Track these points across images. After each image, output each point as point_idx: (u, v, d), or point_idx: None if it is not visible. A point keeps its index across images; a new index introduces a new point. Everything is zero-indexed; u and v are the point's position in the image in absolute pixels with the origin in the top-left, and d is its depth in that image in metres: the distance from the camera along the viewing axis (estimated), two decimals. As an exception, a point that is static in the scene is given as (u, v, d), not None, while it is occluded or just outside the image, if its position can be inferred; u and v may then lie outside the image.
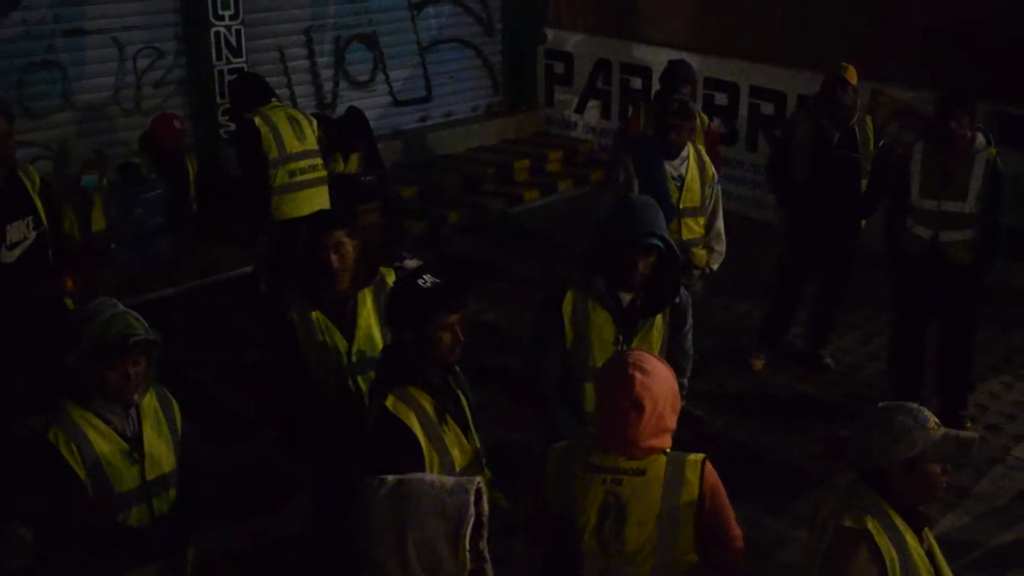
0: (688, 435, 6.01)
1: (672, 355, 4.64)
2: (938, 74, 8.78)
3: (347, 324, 4.54)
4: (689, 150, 6.68)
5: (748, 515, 5.20)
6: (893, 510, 3.25)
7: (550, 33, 12.08)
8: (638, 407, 3.34)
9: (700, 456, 3.48)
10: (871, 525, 3.19)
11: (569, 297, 4.48)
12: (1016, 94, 8.63)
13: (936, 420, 3.31)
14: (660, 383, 3.40)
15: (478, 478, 3.05)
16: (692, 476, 3.41)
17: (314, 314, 4.49)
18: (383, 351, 4.19)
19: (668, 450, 3.46)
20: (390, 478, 3.07)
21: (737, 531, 3.57)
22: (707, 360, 7.47)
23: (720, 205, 6.88)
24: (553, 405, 4.59)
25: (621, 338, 4.48)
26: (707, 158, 6.82)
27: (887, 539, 3.19)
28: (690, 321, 4.80)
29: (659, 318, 4.54)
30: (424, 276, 3.83)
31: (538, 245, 9.78)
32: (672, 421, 3.46)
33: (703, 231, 6.80)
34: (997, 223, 6.62)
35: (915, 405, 3.36)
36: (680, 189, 6.61)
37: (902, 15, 9.32)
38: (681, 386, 4.40)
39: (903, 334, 7.11)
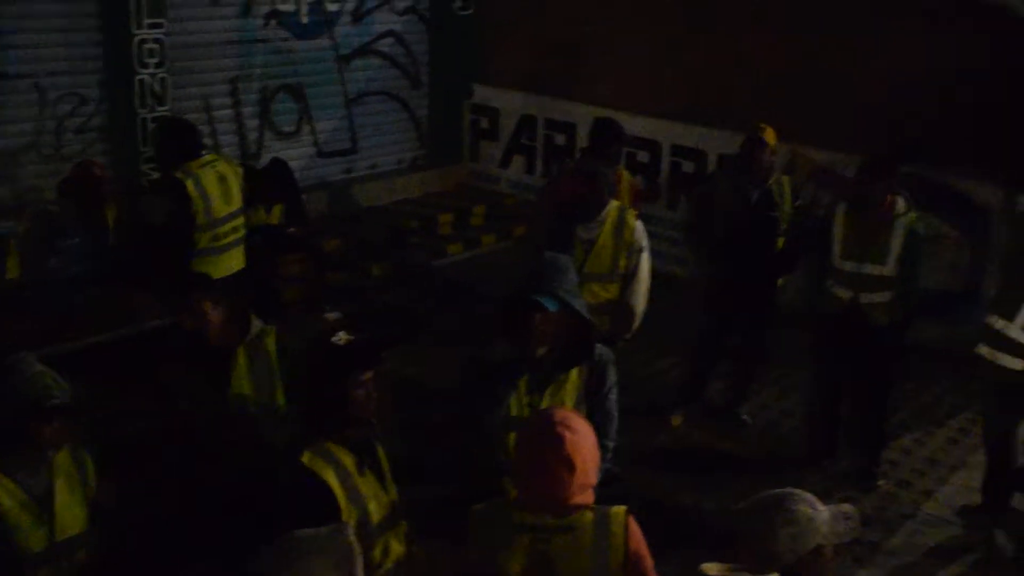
0: (606, 493, 6.06)
1: (592, 416, 4.58)
2: (855, 136, 9.02)
3: (222, 384, 4.57)
4: (609, 214, 6.50)
5: (666, 573, 5.24)
6: None
7: (477, 88, 12.20)
8: (569, 466, 3.35)
9: (623, 508, 3.50)
10: None
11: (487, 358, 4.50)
12: (924, 157, 8.88)
13: (820, 505, 3.29)
14: (586, 440, 3.42)
15: (349, 522, 3.02)
16: (618, 529, 3.44)
17: (192, 375, 4.52)
18: (299, 407, 4.20)
19: (592, 505, 3.48)
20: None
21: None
22: (626, 417, 7.52)
23: (642, 273, 6.63)
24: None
25: (536, 392, 4.50)
26: (632, 224, 6.57)
27: None
28: (611, 381, 4.75)
29: (574, 374, 4.55)
30: (339, 333, 3.86)
31: (461, 298, 9.80)
32: (594, 477, 3.48)
33: (613, 297, 6.59)
34: (915, 286, 6.80)
35: (796, 492, 3.33)
36: (587, 253, 6.43)
37: (821, 78, 9.56)
38: (605, 448, 4.49)
39: (819, 391, 7.25)
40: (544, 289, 4.35)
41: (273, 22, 10.59)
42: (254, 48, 10.48)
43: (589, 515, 3.44)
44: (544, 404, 4.47)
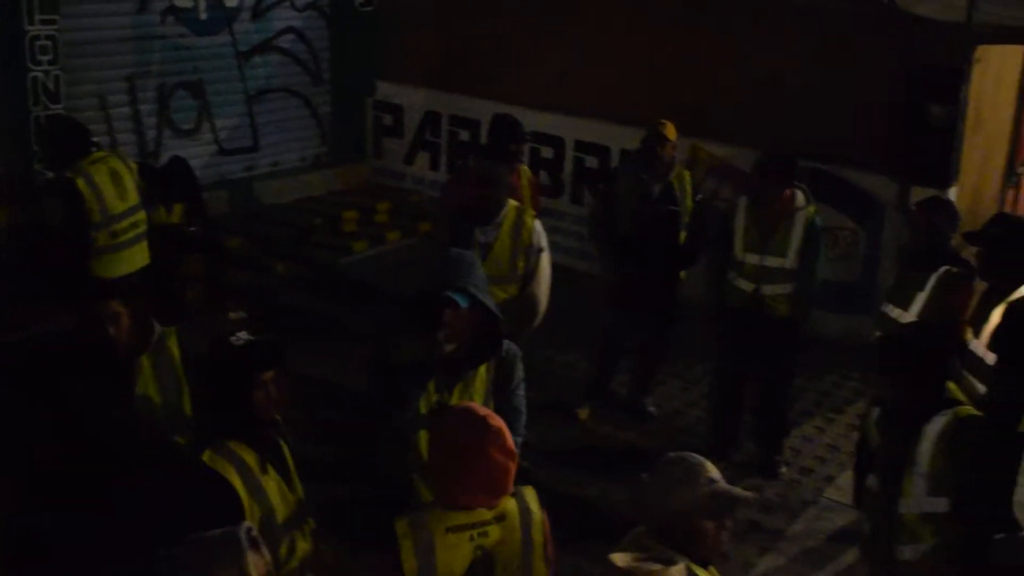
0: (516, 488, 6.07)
1: (500, 411, 4.63)
2: (753, 131, 9.18)
3: (128, 391, 4.51)
4: (507, 216, 6.39)
5: (574, 564, 5.28)
6: (692, 561, 3.27)
7: (380, 85, 12.14)
8: (512, 455, 3.44)
9: (531, 486, 3.61)
10: (675, 572, 3.21)
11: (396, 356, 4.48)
12: (821, 151, 9.08)
13: (716, 476, 3.32)
14: (506, 457, 3.47)
15: (247, 523, 2.99)
16: (534, 504, 3.55)
17: (95, 383, 4.44)
18: (200, 407, 4.15)
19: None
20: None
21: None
22: (533, 412, 7.56)
23: (542, 273, 6.54)
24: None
25: (445, 390, 4.49)
26: (530, 225, 6.47)
27: None
28: (519, 376, 4.77)
29: (482, 370, 4.56)
30: (238, 334, 3.83)
31: (367, 296, 9.74)
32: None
33: (512, 296, 6.44)
34: (814, 278, 6.96)
35: (698, 459, 3.36)
36: (485, 256, 6.23)
37: (719, 73, 9.70)
38: (516, 443, 4.49)
39: (723, 382, 7.37)
40: (455, 285, 4.36)
41: (171, 18, 10.41)
42: (151, 45, 10.29)
43: (511, 500, 3.51)
44: (453, 402, 4.47)
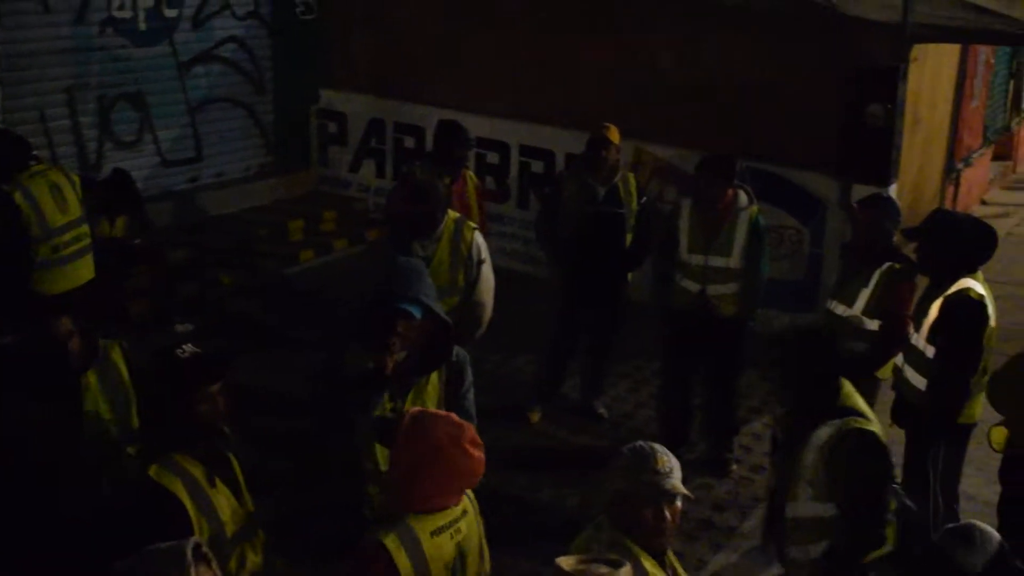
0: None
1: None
2: (696, 133, 9.26)
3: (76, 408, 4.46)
4: (446, 229, 6.24)
5: (528, 568, 5.29)
6: (632, 543, 3.39)
7: (323, 93, 12.09)
8: (481, 447, 3.51)
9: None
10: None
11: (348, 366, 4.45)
12: (763, 152, 9.18)
13: (666, 468, 3.41)
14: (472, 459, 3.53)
15: (195, 538, 2.97)
16: (472, 495, 3.65)
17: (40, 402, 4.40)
18: (146, 421, 4.11)
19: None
20: None
21: None
22: (484, 416, 7.57)
23: (484, 284, 6.41)
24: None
25: (399, 398, 4.48)
26: (469, 238, 6.32)
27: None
28: (468, 380, 4.77)
29: (434, 377, 4.56)
30: (183, 346, 3.81)
31: (314, 306, 9.69)
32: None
33: (454, 308, 6.21)
34: (759, 277, 7.03)
35: (652, 448, 3.48)
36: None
37: (662, 76, 9.77)
38: None
39: (671, 382, 7.42)
40: (408, 296, 4.36)
41: (109, 29, 10.28)
42: (90, 56, 10.16)
43: (452, 511, 3.54)
44: (408, 409, 4.46)
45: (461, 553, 3.50)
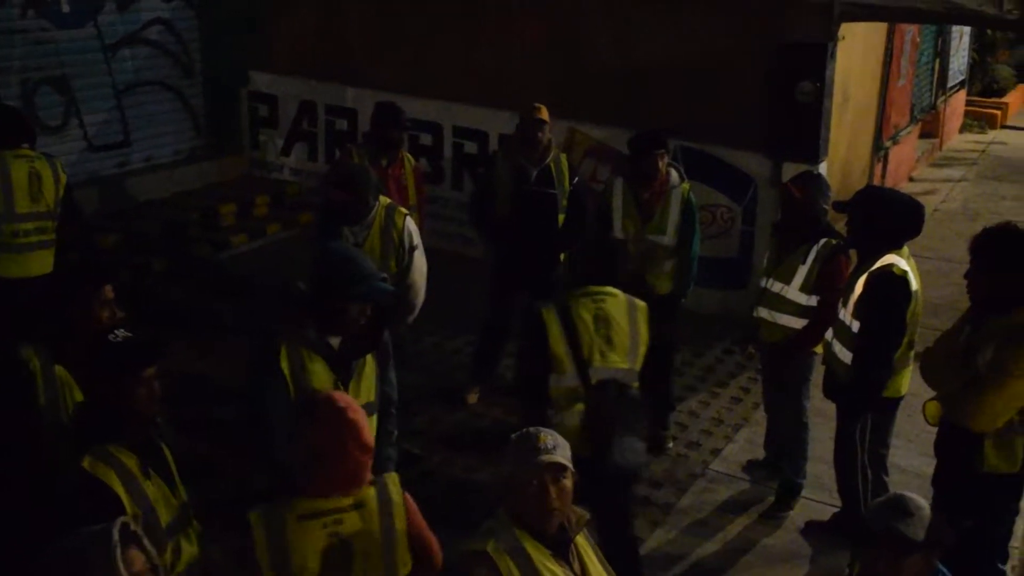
0: (406, 474, 6.07)
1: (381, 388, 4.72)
2: (627, 113, 9.29)
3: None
4: (377, 216, 6.26)
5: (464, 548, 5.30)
6: (521, 531, 3.41)
7: (253, 75, 11.94)
8: (367, 448, 3.45)
9: (394, 473, 3.65)
10: (490, 547, 3.36)
11: (284, 351, 4.38)
12: (694, 131, 9.24)
13: (550, 444, 3.44)
14: (357, 443, 3.48)
15: (123, 517, 2.94)
16: (396, 494, 3.56)
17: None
18: (77, 411, 4.04)
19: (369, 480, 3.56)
20: None
21: (434, 540, 3.70)
22: (421, 397, 7.59)
23: (416, 270, 6.44)
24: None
25: (339, 383, 4.47)
26: (400, 225, 6.34)
27: (513, 564, 3.35)
28: (391, 354, 4.81)
29: (370, 358, 4.57)
30: (115, 331, 3.75)
31: (248, 290, 9.59)
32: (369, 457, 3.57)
33: None
34: (692, 254, 7.08)
35: (538, 429, 3.53)
36: None
37: (593, 58, 9.79)
38: (391, 414, 4.76)
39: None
40: (379, 277, 4.43)
41: (31, 11, 10.06)
42: (12, 39, 9.93)
43: (372, 488, 3.52)
44: (351, 395, 4.44)
45: (344, 547, 3.42)
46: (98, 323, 4.32)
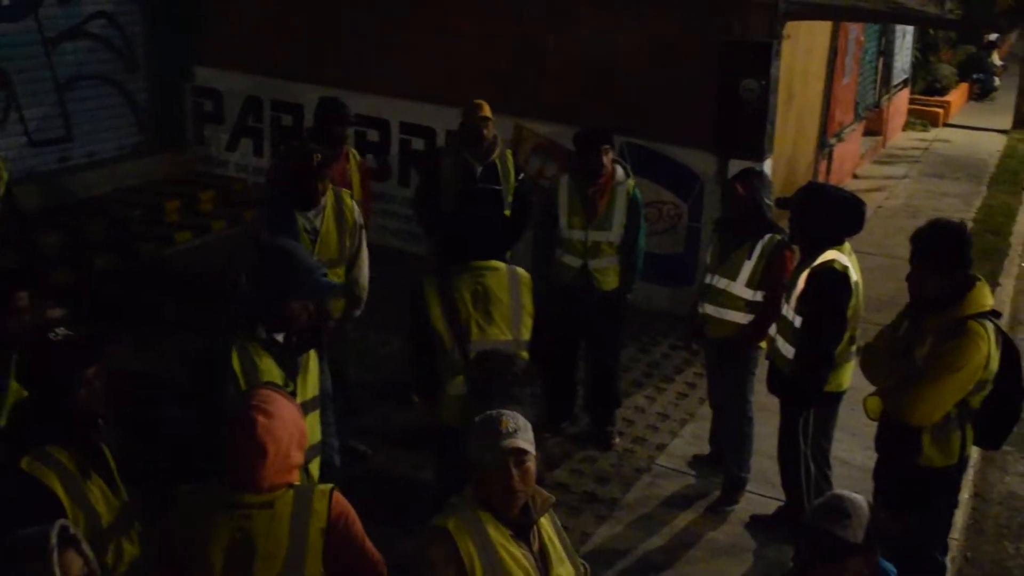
0: (354, 472, 6.06)
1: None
2: (574, 110, 9.31)
3: None
4: (328, 199, 6.30)
5: (409, 546, 5.28)
6: (483, 511, 3.43)
7: (198, 70, 11.83)
8: (262, 451, 3.36)
9: (328, 486, 3.55)
10: (451, 524, 3.39)
11: (235, 352, 4.34)
12: (641, 128, 9.28)
13: (512, 427, 3.44)
14: (284, 425, 3.42)
15: (61, 520, 2.91)
16: (320, 506, 3.46)
17: None
18: (16, 411, 3.98)
19: (295, 484, 3.49)
20: None
21: (377, 556, 3.63)
22: (369, 395, 7.56)
23: (364, 252, 6.54)
24: None
25: (289, 380, 4.45)
26: (350, 204, 6.45)
27: (471, 542, 3.36)
28: (324, 346, 4.83)
29: (312, 353, 4.57)
30: (56, 329, 3.70)
31: (194, 287, 9.50)
32: (298, 458, 3.51)
33: (342, 280, 6.40)
34: (638, 250, 7.11)
35: (501, 412, 3.51)
36: (314, 243, 6.19)
37: (539, 55, 9.80)
38: (329, 406, 4.86)
39: (555, 358, 7.46)
40: (307, 277, 4.39)
41: (-31, 5, 9.92)
42: (-51, 33, 9.80)
43: (290, 492, 3.46)
44: (299, 391, 4.45)
45: (248, 544, 3.38)
46: (10, 333, 4.26)
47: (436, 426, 5.38)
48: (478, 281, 5.22)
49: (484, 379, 5.15)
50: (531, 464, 3.45)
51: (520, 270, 5.36)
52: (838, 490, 3.59)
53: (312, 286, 4.40)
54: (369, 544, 3.60)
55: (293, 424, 3.47)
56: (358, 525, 3.56)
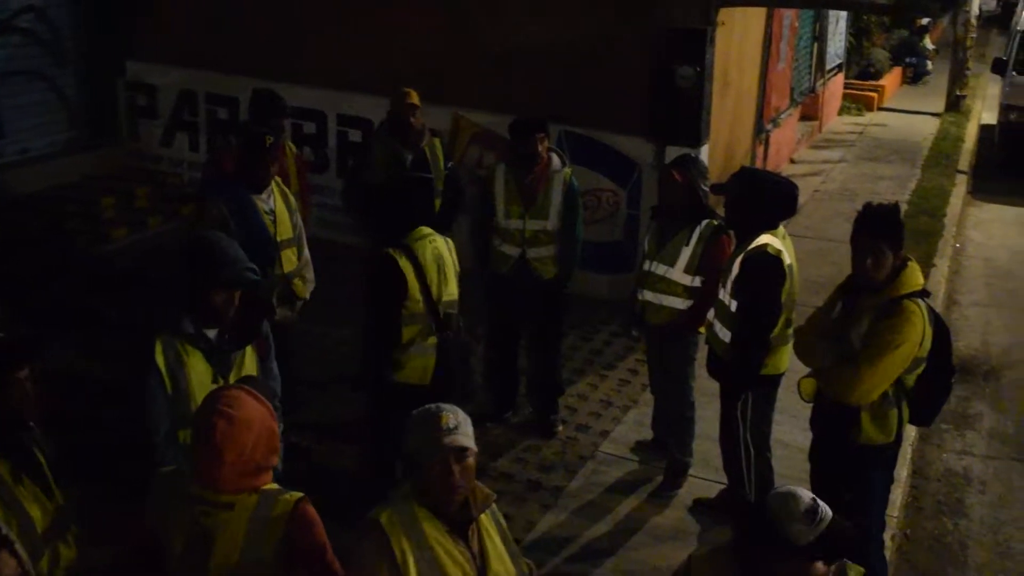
0: (298, 468, 6.00)
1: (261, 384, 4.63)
2: (513, 98, 9.30)
3: None
4: (273, 184, 6.45)
5: (349, 539, 5.26)
6: (420, 507, 3.40)
7: (130, 65, 11.66)
8: (219, 456, 3.32)
9: (296, 496, 3.49)
10: (384, 518, 3.36)
11: (159, 346, 4.31)
12: (578, 116, 9.30)
13: (452, 423, 3.39)
14: (247, 429, 3.37)
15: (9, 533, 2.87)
16: (280, 514, 3.42)
17: None
18: None
19: (264, 487, 3.44)
20: None
21: (337, 566, 3.56)
22: (312, 389, 7.52)
23: (304, 233, 6.73)
24: (170, 457, 4.38)
25: (218, 376, 4.40)
26: (285, 187, 6.64)
27: (404, 535, 3.34)
28: (272, 346, 4.76)
29: (250, 350, 4.52)
30: None
31: (130, 285, 9.37)
32: (269, 460, 3.46)
33: (295, 264, 6.59)
34: (576, 238, 7.12)
35: (440, 407, 3.45)
36: (274, 223, 6.37)
37: (475, 44, 9.77)
38: (276, 407, 4.51)
39: (496, 347, 7.47)
40: (249, 266, 4.37)
41: None
42: None
43: (254, 497, 3.42)
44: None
45: (208, 539, 3.38)
46: None
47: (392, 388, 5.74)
48: (433, 246, 5.67)
49: (455, 336, 5.83)
50: (471, 460, 3.42)
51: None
52: (790, 487, 3.38)
53: (232, 276, 4.32)
54: (331, 557, 3.54)
55: (261, 427, 3.41)
56: (321, 539, 3.51)
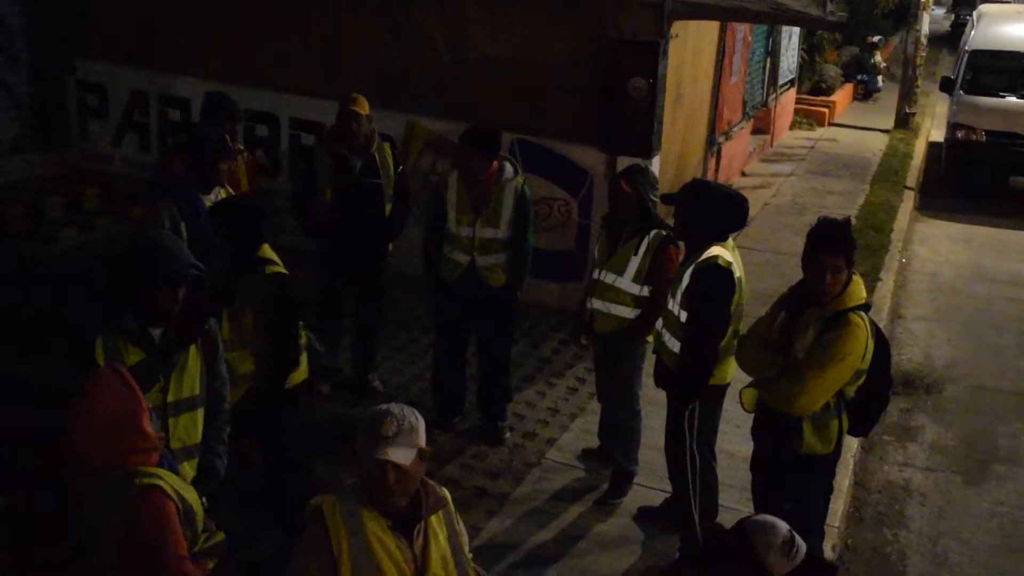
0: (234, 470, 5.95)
1: (210, 383, 4.64)
2: (468, 106, 9.31)
3: None
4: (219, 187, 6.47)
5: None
6: (365, 506, 3.40)
7: (81, 64, 11.55)
8: (72, 428, 3.48)
9: (150, 482, 3.54)
10: (326, 506, 3.39)
11: (99, 344, 4.28)
12: (531, 125, 9.33)
13: (392, 430, 3.35)
14: (100, 408, 3.49)
15: None
16: (126, 500, 3.51)
17: None
18: None
19: (141, 468, 3.55)
20: None
21: (174, 567, 3.57)
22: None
23: None
24: None
25: (160, 377, 4.37)
26: (231, 190, 6.67)
27: (343, 526, 3.36)
28: (220, 346, 4.75)
29: (193, 348, 4.50)
30: None
31: (78, 287, 9.26)
32: (135, 442, 3.54)
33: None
34: (527, 247, 7.15)
35: (389, 409, 3.42)
36: None
37: (429, 51, 9.78)
38: (223, 411, 4.70)
39: (445, 354, 7.48)
40: (192, 263, 4.35)
41: None
42: None
43: (114, 475, 3.52)
44: (172, 388, 4.39)
45: (79, 504, 3.58)
46: None
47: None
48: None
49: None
50: (412, 467, 3.37)
51: None
52: (767, 517, 3.39)
53: (176, 274, 4.31)
54: (171, 559, 3.55)
55: (116, 409, 3.51)
56: (167, 535, 3.55)
